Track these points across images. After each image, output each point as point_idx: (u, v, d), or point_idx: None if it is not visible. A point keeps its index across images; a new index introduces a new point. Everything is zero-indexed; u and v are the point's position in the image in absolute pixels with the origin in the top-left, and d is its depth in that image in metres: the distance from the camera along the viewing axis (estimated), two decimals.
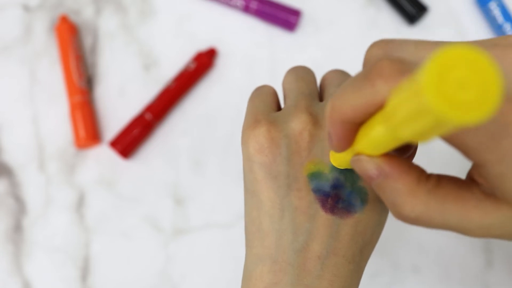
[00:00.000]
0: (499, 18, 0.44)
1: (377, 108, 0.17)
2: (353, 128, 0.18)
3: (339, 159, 0.22)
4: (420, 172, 0.18)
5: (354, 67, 0.45)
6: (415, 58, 0.17)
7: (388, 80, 0.16)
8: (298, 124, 0.25)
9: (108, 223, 0.41)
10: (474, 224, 0.18)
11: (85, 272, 0.40)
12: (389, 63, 0.16)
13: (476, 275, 0.41)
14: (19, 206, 0.41)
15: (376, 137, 0.17)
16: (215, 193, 0.42)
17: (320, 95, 0.29)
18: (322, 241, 0.23)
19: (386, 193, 0.19)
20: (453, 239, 0.42)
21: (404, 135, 0.14)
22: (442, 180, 0.18)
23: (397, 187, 0.18)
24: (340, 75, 0.28)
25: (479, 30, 0.46)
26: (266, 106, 0.27)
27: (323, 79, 0.29)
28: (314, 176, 0.24)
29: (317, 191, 0.24)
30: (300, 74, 0.28)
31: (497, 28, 0.45)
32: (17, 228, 0.41)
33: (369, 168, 0.19)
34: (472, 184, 0.18)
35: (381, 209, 0.25)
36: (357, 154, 0.19)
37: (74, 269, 0.40)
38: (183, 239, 0.41)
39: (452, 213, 0.18)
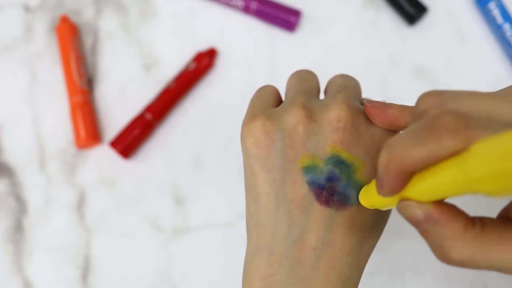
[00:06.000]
0: (499, 18, 0.45)
1: (440, 160, 0.17)
2: (407, 177, 0.19)
3: (376, 201, 0.22)
4: (466, 218, 0.19)
5: (353, 67, 0.45)
6: (471, 109, 0.18)
7: (455, 135, 0.16)
8: (292, 117, 0.25)
9: (108, 223, 0.41)
10: None
11: (85, 272, 0.40)
12: (453, 117, 0.17)
13: (475, 274, 0.41)
14: (20, 206, 0.41)
15: (442, 188, 0.17)
16: (215, 193, 0.42)
17: (325, 96, 0.29)
18: (317, 233, 0.24)
19: (433, 238, 0.19)
20: None
21: (484, 189, 0.15)
22: (485, 224, 0.19)
23: (445, 233, 0.19)
24: (344, 77, 0.29)
25: (478, 31, 0.46)
26: (264, 103, 0.28)
27: (328, 82, 0.30)
28: (308, 169, 0.24)
29: (312, 184, 0.24)
30: (301, 75, 0.29)
31: (496, 28, 0.45)
32: (18, 228, 0.41)
33: (417, 214, 0.19)
34: (510, 223, 0.19)
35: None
36: (405, 199, 0.20)
37: (75, 269, 0.40)
38: (183, 239, 0.41)
39: (496, 255, 0.18)
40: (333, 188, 0.24)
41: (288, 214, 0.24)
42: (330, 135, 0.25)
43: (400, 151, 0.18)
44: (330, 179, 0.24)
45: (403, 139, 0.18)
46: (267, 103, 0.28)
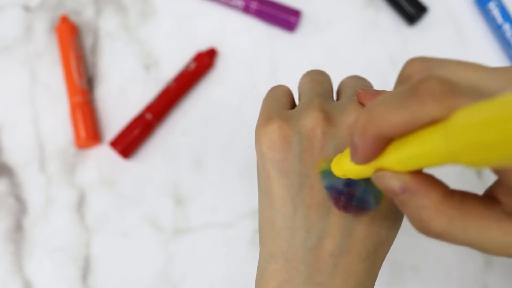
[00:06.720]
0: (499, 18, 0.45)
1: (420, 127, 0.16)
2: (383, 143, 0.18)
3: (348, 170, 0.22)
4: (445, 188, 0.18)
5: (353, 67, 0.45)
6: (458, 78, 0.17)
7: (440, 101, 0.16)
8: (310, 121, 0.25)
9: (108, 223, 0.41)
10: (494, 243, 0.18)
11: (85, 272, 0.40)
12: (439, 82, 0.16)
13: (475, 275, 0.41)
14: (20, 206, 0.41)
15: (421, 157, 0.16)
16: (215, 193, 0.42)
17: (337, 97, 0.29)
18: (335, 239, 0.23)
19: (411, 209, 0.19)
20: None
21: (464, 160, 0.14)
22: (465, 197, 0.19)
23: (423, 204, 0.18)
24: (357, 79, 0.28)
25: (478, 31, 0.46)
26: (279, 105, 0.27)
27: (340, 83, 0.29)
28: (326, 173, 0.24)
29: (330, 188, 0.24)
30: (315, 76, 0.28)
31: (496, 28, 0.45)
32: (18, 228, 0.41)
33: (394, 184, 0.18)
34: (493, 202, 0.19)
35: (398, 208, 0.25)
36: (380, 169, 0.19)
37: (75, 269, 0.40)
38: (183, 239, 0.41)
39: (474, 231, 0.18)
40: (351, 193, 0.24)
41: (306, 220, 0.24)
42: (349, 139, 0.24)
43: (379, 114, 0.17)
44: (349, 184, 0.24)
45: (384, 102, 0.17)
46: (282, 104, 0.27)
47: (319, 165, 0.24)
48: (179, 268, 0.41)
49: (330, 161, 0.24)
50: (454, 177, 0.43)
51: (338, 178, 0.24)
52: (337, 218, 0.23)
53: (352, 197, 0.24)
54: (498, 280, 0.41)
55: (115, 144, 0.41)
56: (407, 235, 0.42)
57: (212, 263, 0.41)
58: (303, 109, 0.26)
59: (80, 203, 0.42)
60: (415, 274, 0.41)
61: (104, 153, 0.42)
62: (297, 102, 0.29)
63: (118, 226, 0.41)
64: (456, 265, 0.41)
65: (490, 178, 0.43)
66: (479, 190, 0.43)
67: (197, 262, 0.41)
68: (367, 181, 0.24)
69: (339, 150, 0.24)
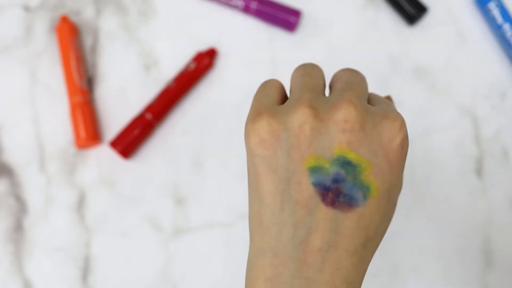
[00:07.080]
0: (499, 18, 0.45)
1: None
2: None
3: None
4: None
5: (353, 67, 0.45)
6: None
7: None
8: (299, 117, 0.25)
9: (108, 223, 0.41)
10: None
11: (85, 272, 0.40)
12: None
13: (476, 275, 0.41)
14: (20, 206, 0.41)
15: None
16: (215, 193, 0.42)
17: (330, 91, 0.29)
18: (323, 235, 0.23)
19: None
20: (453, 239, 0.42)
21: None
22: None
23: None
24: (350, 72, 0.28)
25: (478, 31, 0.46)
26: (269, 99, 0.27)
27: (333, 77, 0.29)
28: (314, 170, 0.24)
29: (318, 185, 0.24)
30: (307, 70, 0.28)
31: (496, 28, 0.45)
32: (18, 228, 0.41)
33: None
34: None
35: (387, 204, 0.25)
36: None
37: (75, 269, 0.40)
38: (184, 239, 0.41)
39: None
40: (339, 189, 0.24)
41: (293, 215, 0.24)
42: (337, 136, 0.24)
43: None
44: (336, 180, 0.24)
45: None
46: (272, 99, 0.27)
47: (307, 161, 0.24)
48: (179, 268, 0.41)
49: (318, 157, 0.24)
50: (454, 177, 0.43)
51: (326, 174, 0.24)
52: (324, 214, 0.24)
53: (340, 193, 0.24)
54: (498, 280, 0.41)
55: (115, 144, 0.41)
56: (407, 236, 0.42)
57: (212, 263, 0.41)
58: (293, 104, 0.26)
59: (80, 203, 0.42)
60: (415, 274, 0.41)
61: (104, 153, 0.43)
62: (289, 95, 0.29)
63: (118, 226, 0.41)
64: (456, 265, 0.41)
65: (490, 178, 0.43)
66: (479, 190, 0.43)
67: (197, 262, 0.41)
68: (355, 177, 0.24)
69: (327, 147, 0.24)
